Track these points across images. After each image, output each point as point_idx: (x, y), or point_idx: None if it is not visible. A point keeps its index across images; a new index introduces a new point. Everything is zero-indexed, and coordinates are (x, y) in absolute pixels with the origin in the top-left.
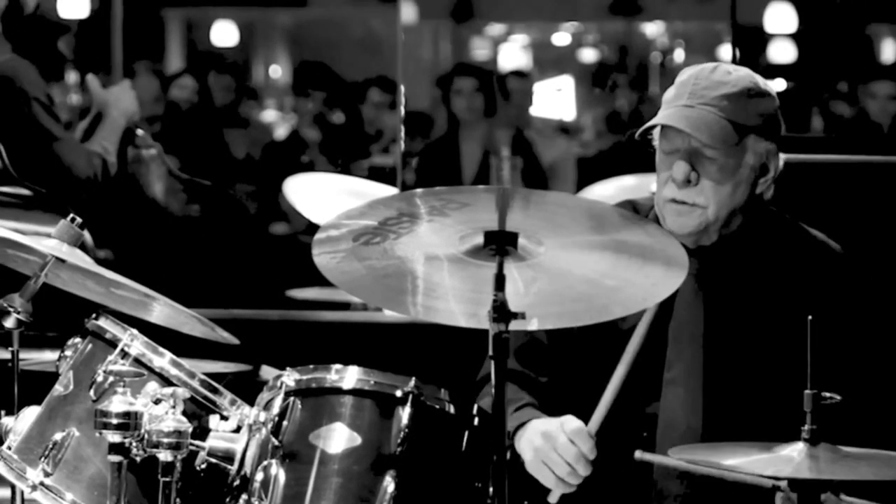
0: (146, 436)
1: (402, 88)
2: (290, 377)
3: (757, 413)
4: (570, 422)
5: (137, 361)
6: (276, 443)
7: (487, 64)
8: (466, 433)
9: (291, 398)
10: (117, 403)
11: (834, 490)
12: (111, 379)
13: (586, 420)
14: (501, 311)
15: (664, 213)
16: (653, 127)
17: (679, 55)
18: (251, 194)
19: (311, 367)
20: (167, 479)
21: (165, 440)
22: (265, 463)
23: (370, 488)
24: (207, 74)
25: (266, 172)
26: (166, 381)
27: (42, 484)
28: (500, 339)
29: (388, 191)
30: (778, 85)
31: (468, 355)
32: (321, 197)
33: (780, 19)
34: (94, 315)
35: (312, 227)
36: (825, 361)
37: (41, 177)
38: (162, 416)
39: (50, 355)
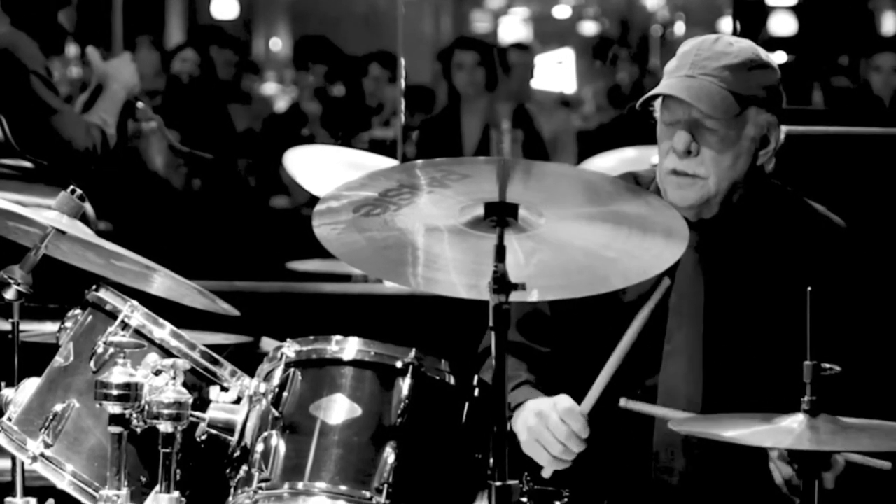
0: (146, 407)
1: (403, 62)
2: (290, 348)
3: (756, 385)
4: (563, 401)
5: (138, 333)
6: (277, 414)
7: (488, 37)
8: (467, 404)
9: (292, 369)
10: (117, 375)
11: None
12: (111, 350)
13: (582, 395)
14: (502, 283)
15: (665, 186)
16: (654, 97)
17: (679, 28)
18: (252, 167)
19: (312, 338)
20: (167, 451)
21: (166, 411)
22: (265, 434)
23: (370, 459)
24: (208, 48)
25: (267, 145)
26: (167, 352)
27: (42, 455)
28: (501, 311)
29: (388, 164)
30: (779, 58)
31: (469, 327)
32: (322, 170)
33: None
34: (94, 287)
35: (313, 200)
36: (825, 333)
37: (41, 149)
38: (162, 387)
39: (50, 327)
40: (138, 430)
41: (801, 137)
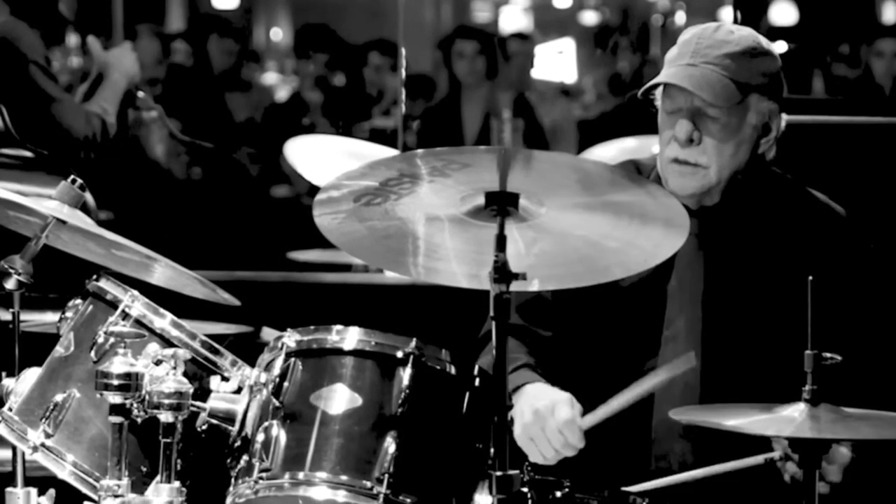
0: (147, 397)
1: (404, 51)
2: (290, 338)
3: (755, 373)
4: (562, 410)
5: (138, 323)
6: (277, 404)
7: (489, 26)
8: (467, 394)
9: (292, 359)
10: (118, 365)
11: None
12: (112, 340)
13: (584, 384)
14: (502, 272)
15: (666, 174)
16: (655, 86)
17: (680, 17)
18: (252, 156)
19: (312, 328)
20: (168, 441)
21: (166, 401)
22: (266, 424)
23: (371, 449)
24: (208, 37)
25: (267, 135)
26: (167, 342)
27: (43, 445)
28: (502, 300)
29: (389, 153)
30: (779, 47)
31: (469, 316)
32: (322, 159)
33: None
34: (94, 276)
35: (314, 189)
36: (825, 322)
37: (42, 138)
38: (163, 377)
39: (51, 317)
40: (139, 419)
41: (801, 127)
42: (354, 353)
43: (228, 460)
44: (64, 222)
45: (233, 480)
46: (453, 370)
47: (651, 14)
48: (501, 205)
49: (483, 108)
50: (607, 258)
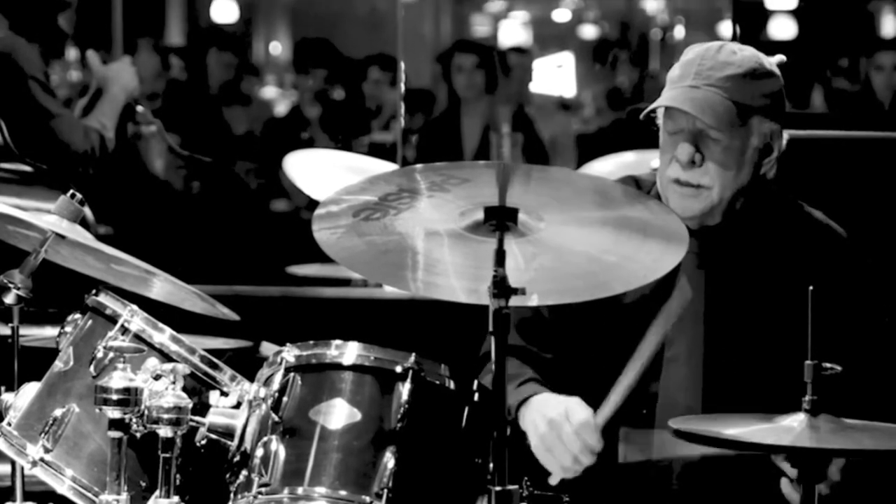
0: (146, 412)
1: (403, 65)
2: (290, 353)
3: (756, 393)
4: (577, 412)
5: (137, 337)
6: (277, 418)
7: (488, 40)
8: (466, 409)
9: (291, 374)
10: (117, 379)
11: None
12: (111, 355)
13: (590, 400)
14: (502, 287)
15: (668, 194)
16: (655, 108)
17: (679, 31)
18: (252, 171)
19: (312, 342)
20: (167, 455)
21: (165, 416)
22: (265, 439)
23: (370, 464)
24: (208, 51)
25: (266, 149)
26: (166, 356)
27: (42, 460)
28: (501, 315)
29: (388, 167)
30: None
31: (468, 331)
32: (321, 173)
33: None
34: (94, 291)
35: (313, 204)
36: (826, 339)
37: (40, 153)
38: (162, 391)
39: (50, 331)
40: (138, 434)
41: (801, 141)
42: (353, 368)
43: (227, 475)
44: (63, 237)
45: (232, 495)
46: (452, 385)
47: (650, 28)
48: (501, 220)
49: (482, 123)
50: (607, 273)
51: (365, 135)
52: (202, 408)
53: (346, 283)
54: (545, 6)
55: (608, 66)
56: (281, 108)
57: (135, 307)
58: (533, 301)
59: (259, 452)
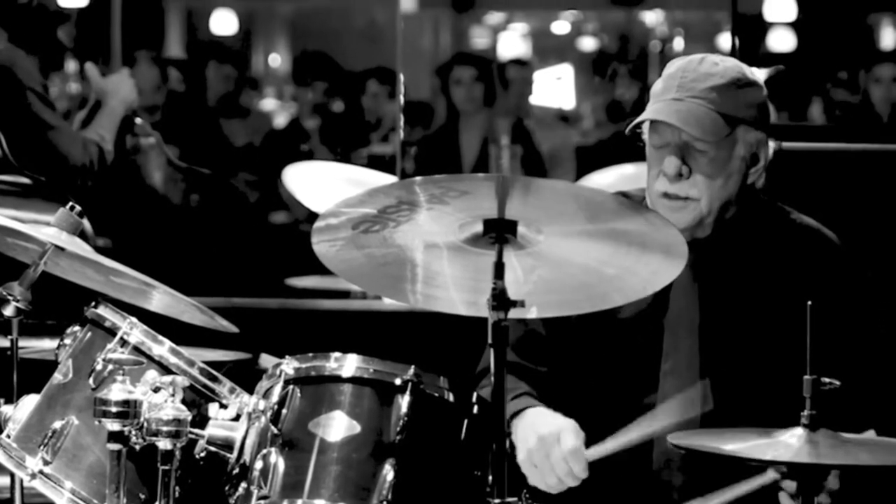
0: (145, 424)
1: (402, 77)
2: (289, 365)
3: (754, 403)
4: (568, 439)
5: (137, 350)
6: (276, 431)
7: (487, 53)
8: (466, 421)
9: (290, 386)
10: (116, 392)
11: None
12: (110, 367)
13: (585, 417)
14: (501, 299)
15: (657, 209)
16: (643, 122)
17: (679, 44)
18: (251, 183)
19: (311, 355)
20: (166, 468)
21: (164, 428)
22: (264, 451)
23: (369, 476)
24: (207, 63)
25: (266, 161)
26: (165, 369)
27: (41, 472)
28: (500, 327)
29: (387, 179)
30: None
31: (468, 343)
32: (321, 185)
33: (780, 8)
34: (93, 303)
35: (312, 216)
36: (821, 348)
37: (39, 165)
38: (161, 404)
39: (49, 343)
40: (137, 446)
41: (800, 153)
42: (353, 380)
43: (227, 487)
44: (62, 249)
45: None
46: (451, 397)
47: (649, 41)
48: (500, 232)
49: (481, 135)
50: (606, 285)
51: (364, 147)
52: (201, 420)
53: (345, 295)
54: (544, 18)
55: (607, 79)
56: (280, 121)
57: (134, 319)
58: (532, 313)
59: (258, 465)
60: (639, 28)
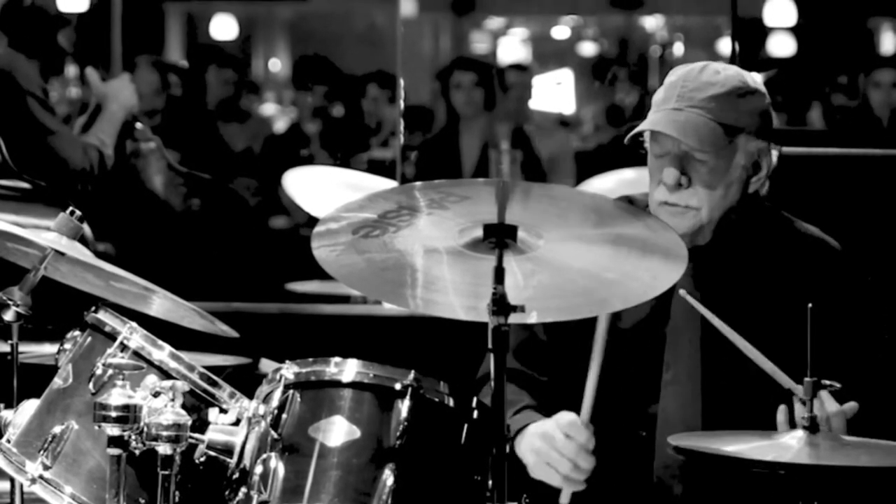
0: (145, 429)
1: (402, 82)
2: (289, 370)
3: (755, 413)
4: (564, 416)
5: (137, 354)
6: (276, 436)
7: (487, 57)
8: (466, 426)
9: (290, 391)
10: (116, 396)
11: None
12: (110, 372)
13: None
14: (501, 304)
15: (658, 216)
16: (642, 131)
17: (678, 49)
18: (251, 188)
19: (311, 360)
20: (166, 473)
21: (164, 433)
22: (264, 456)
23: (369, 481)
24: (207, 68)
25: (266, 166)
26: (165, 374)
27: (41, 477)
28: (500, 332)
29: (387, 184)
30: (777, 78)
31: (467, 348)
32: (321, 190)
33: (780, 13)
34: (93, 308)
35: (312, 221)
36: (823, 356)
37: (39, 170)
38: (161, 409)
39: (49, 348)
40: (137, 451)
41: (799, 158)
42: (353, 385)
43: (226, 492)
44: (62, 254)
45: None
46: (452, 402)
47: (649, 45)
48: (500, 237)
49: (481, 140)
50: (606, 290)
51: (364, 152)
52: (201, 425)
53: (345, 300)
54: (544, 23)
55: (607, 84)
56: (280, 125)
57: (134, 324)
58: (532, 318)
59: (258, 469)
60: (639, 33)
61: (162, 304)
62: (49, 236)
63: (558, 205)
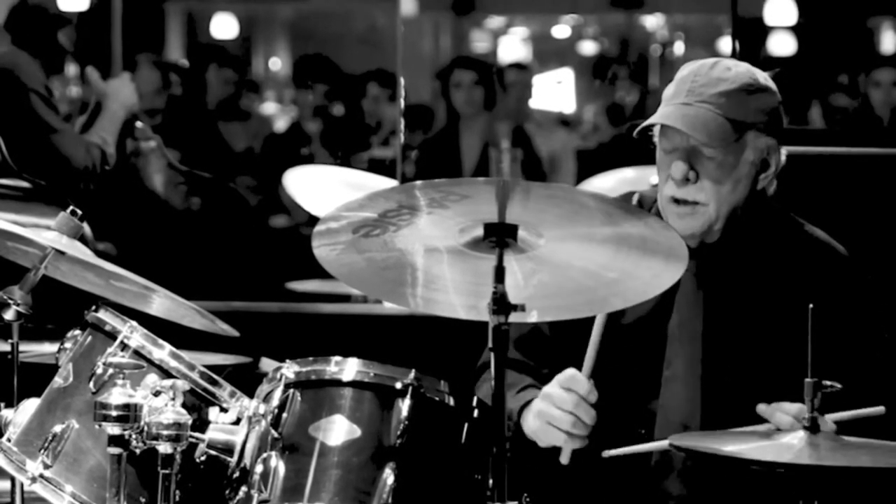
0: (146, 428)
1: (402, 81)
2: (289, 369)
3: (754, 412)
4: (564, 373)
5: (137, 353)
6: (276, 435)
7: (487, 56)
8: (466, 425)
9: (291, 390)
10: (117, 395)
11: None
12: (111, 371)
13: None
14: (501, 303)
15: (667, 214)
16: (652, 125)
17: (679, 48)
18: (251, 187)
19: (311, 359)
20: (167, 472)
21: (165, 432)
22: (265, 455)
23: (370, 480)
24: (208, 67)
25: (266, 165)
26: (166, 373)
27: (42, 476)
28: (500, 331)
29: (387, 183)
30: (778, 77)
31: (468, 347)
32: (321, 189)
33: (781, 11)
34: (93, 307)
35: (313, 220)
36: (825, 358)
37: (40, 169)
38: (161, 408)
39: (49, 347)
40: (137, 450)
41: (799, 157)
42: (353, 384)
43: (227, 491)
44: (63, 253)
45: None
46: (452, 401)
47: (650, 44)
48: (500, 236)
49: (481, 139)
50: (606, 289)
51: (364, 151)
52: (202, 424)
53: (345, 299)
54: (545, 22)
55: (608, 82)
56: (280, 124)
57: (134, 323)
58: (532, 317)
59: (258, 468)
60: (639, 32)
61: (162, 303)
62: (49, 235)
63: (559, 204)
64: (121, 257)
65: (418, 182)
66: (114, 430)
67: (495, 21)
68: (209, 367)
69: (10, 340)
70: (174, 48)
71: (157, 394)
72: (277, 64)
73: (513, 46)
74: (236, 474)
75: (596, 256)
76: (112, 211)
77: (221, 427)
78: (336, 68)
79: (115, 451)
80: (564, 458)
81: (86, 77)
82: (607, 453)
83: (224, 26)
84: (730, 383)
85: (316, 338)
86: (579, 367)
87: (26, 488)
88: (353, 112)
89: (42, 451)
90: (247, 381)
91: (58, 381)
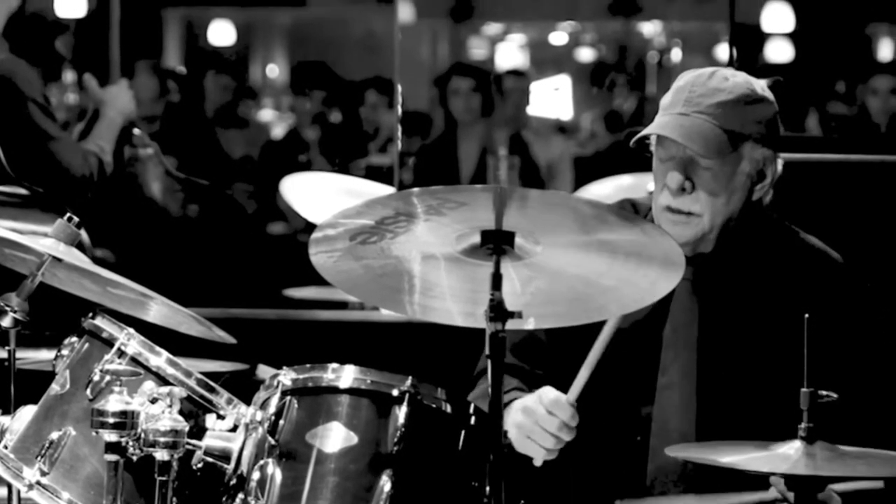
0: (143, 435)
1: (400, 88)
2: (286, 376)
3: (750, 420)
4: (548, 393)
5: (134, 360)
6: (273, 442)
7: (485, 63)
8: (463, 432)
9: (288, 397)
10: (114, 402)
11: None
12: (108, 378)
13: (582, 417)
14: (498, 311)
15: (660, 222)
16: (648, 135)
17: (676, 54)
18: (249, 194)
19: (308, 366)
20: (164, 479)
21: (162, 439)
22: (262, 462)
23: (367, 487)
24: (205, 74)
25: (264, 172)
26: (163, 380)
27: (38, 483)
28: (497, 339)
29: (385, 190)
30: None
31: (465, 354)
32: (318, 196)
33: (778, 19)
34: (90, 314)
35: (310, 227)
36: (821, 367)
37: (38, 176)
38: (158, 415)
39: (46, 354)
40: (134, 458)
41: (796, 165)
42: (350, 391)
43: (224, 498)
44: (60, 260)
45: None
46: (449, 408)
47: (647, 51)
48: (497, 243)
49: (479, 146)
50: (603, 296)
51: (362, 158)
52: (199, 431)
53: (342, 306)
54: (542, 29)
55: (605, 89)
56: (278, 131)
57: (131, 330)
58: (529, 324)
59: (255, 476)
60: (637, 39)
61: (159, 310)
62: (47, 242)
63: (556, 211)
64: (119, 264)
65: (415, 189)
66: (111, 437)
67: (493, 28)
68: (206, 374)
69: (7, 347)
70: (172, 55)
71: (153, 401)
72: (275, 71)
73: (510, 53)
74: (233, 481)
75: (593, 264)
76: (110, 218)
77: (218, 434)
78: (334, 75)
79: (112, 458)
80: (537, 463)
81: (83, 84)
82: None
83: (222, 33)
84: (725, 391)
85: (313, 345)
86: (575, 371)
87: (23, 495)
88: (351, 119)
89: (39, 458)
90: (244, 388)
91: (55, 388)
